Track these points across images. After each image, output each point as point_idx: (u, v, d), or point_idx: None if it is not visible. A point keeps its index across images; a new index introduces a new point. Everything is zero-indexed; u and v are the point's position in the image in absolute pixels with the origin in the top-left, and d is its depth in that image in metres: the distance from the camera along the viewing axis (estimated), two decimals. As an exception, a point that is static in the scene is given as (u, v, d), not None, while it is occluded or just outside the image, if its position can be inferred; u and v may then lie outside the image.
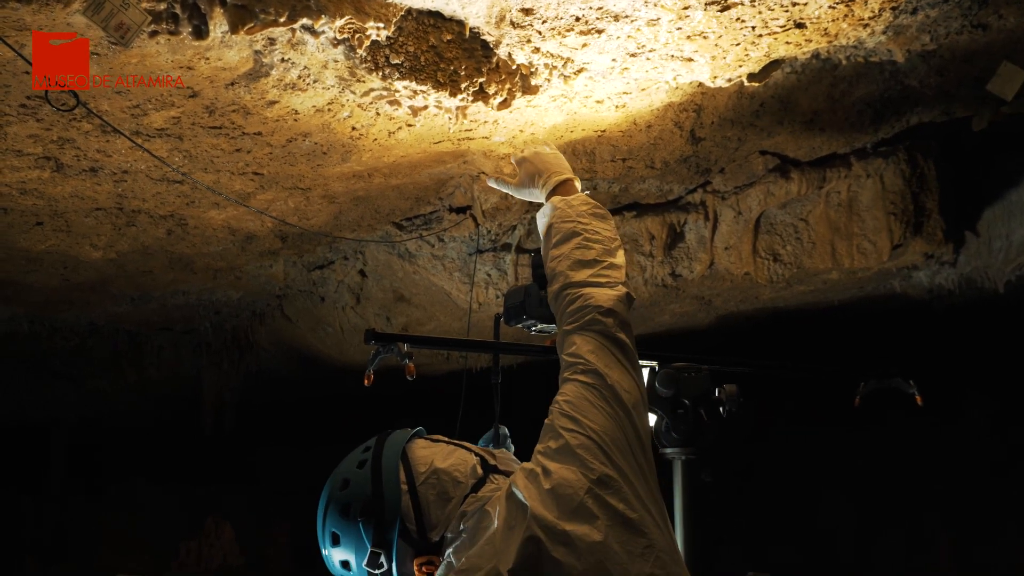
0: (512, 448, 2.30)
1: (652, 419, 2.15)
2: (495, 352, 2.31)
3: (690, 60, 2.91)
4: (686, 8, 2.57)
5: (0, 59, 2.56)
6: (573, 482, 1.41)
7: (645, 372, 2.13)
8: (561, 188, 1.94)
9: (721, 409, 2.16)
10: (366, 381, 1.94)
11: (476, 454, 1.65)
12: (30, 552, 9.64)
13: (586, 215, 1.79)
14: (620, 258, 1.80)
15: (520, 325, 2.18)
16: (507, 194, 4.34)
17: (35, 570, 9.54)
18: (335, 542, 1.58)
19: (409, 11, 2.61)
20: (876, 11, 2.75)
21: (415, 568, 1.54)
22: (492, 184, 2.19)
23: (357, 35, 2.55)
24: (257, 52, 2.67)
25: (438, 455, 1.62)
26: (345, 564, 1.57)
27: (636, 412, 1.55)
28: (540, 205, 1.99)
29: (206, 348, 7.12)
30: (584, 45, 2.76)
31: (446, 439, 1.72)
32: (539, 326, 2.16)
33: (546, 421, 1.56)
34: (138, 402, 8.40)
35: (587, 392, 1.53)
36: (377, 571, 1.55)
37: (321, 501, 1.65)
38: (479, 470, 1.60)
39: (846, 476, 7.74)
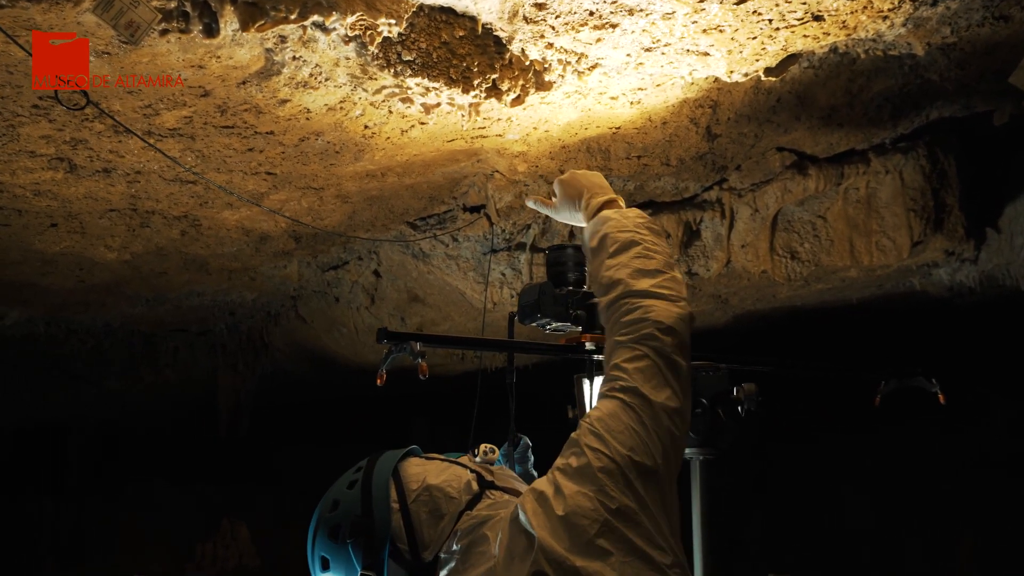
0: (532, 458, 2.26)
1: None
2: (509, 351, 2.27)
3: (706, 54, 2.87)
4: (702, 1, 2.53)
5: (12, 59, 2.55)
6: (589, 511, 1.31)
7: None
8: (605, 207, 1.81)
9: (740, 409, 2.11)
10: (379, 381, 1.90)
11: (472, 470, 1.60)
12: (48, 552, 9.70)
13: (643, 227, 1.65)
14: (680, 275, 1.65)
15: (535, 324, 2.14)
16: (520, 192, 4.32)
17: (53, 570, 9.59)
18: (324, 567, 1.52)
19: (421, 7, 2.59)
20: (896, 3, 2.70)
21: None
22: (531, 205, 2.10)
23: (368, 32, 2.52)
24: (268, 50, 2.65)
25: (431, 472, 1.56)
26: None
27: (675, 444, 1.42)
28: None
29: (221, 349, 7.13)
30: (598, 40, 2.73)
31: (442, 456, 1.67)
32: (554, 324, 2.12)
33: (572, 435, 1.45)
34: (154, 403, 8.43)
35: (623, 412, 1.40)
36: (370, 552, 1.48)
37: (311, 525, 1.59)
38: (474, 486, 1.53)
39: (866, 477, 7.66)
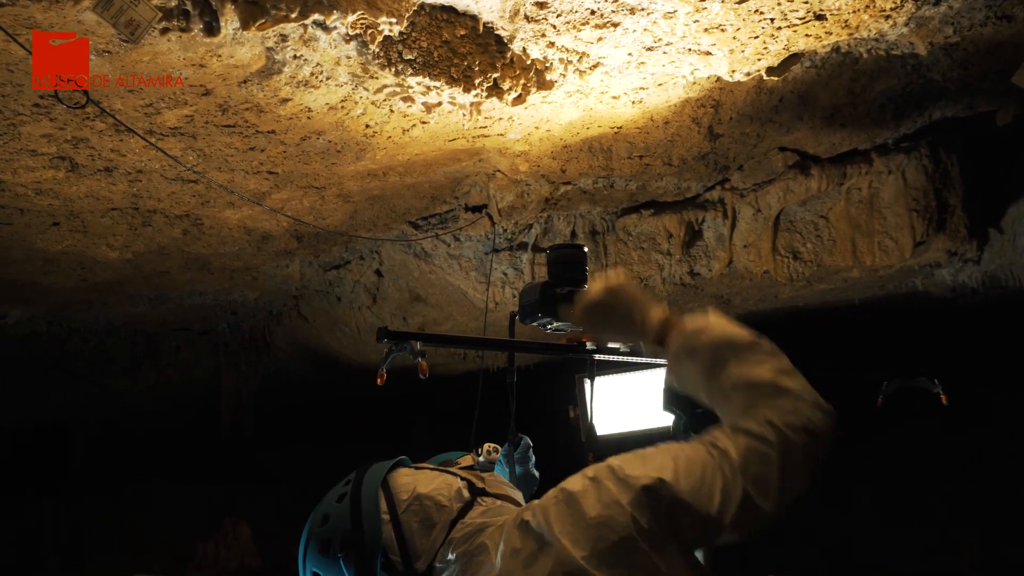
0: (533, 458, 2.25)
1: (671, 419, 2.11)
2: (510, 351, 2.27)
3: (708, 54, 2.86)
4: (703, 0, 2.53)
5: (12, 58, 2.55)
6: (618, 524, 1.25)
7: (663, 370, 2.09)
8: (674, 318, 1.64)
9: (742, 409, 2.10)
10: (379, 380, 1.90)
11: (462, 478, 1.57)
12: (49, 552, 9.70)
13: (749, 331, 1.50)
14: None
15: (536, 323, 2.14)
16: (522, 192, 4.32)
17: (54, 569, 9.59)
18: None
19: (422, 6, 2.58)
20: (898, 2, 2.69)
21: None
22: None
23: (369, 31, 2.52)
24: (269, 49, 2.65)
25: (421, 481, 1.54)
26: None
27: (738, 525, 1.28)
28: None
29: (223, 349, 7.12)
30: (600, 39, 2.72)
31: (431, 466, 1.65)
32: (555, 324, 2.12)
33: (641, 450, 1.38)
34: (156, 403, 8.42)
35: (707, 459, 1.30)
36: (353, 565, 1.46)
37: (301, 541, 1.58)
38: (465, 493, 1.51)
39: (868, 477, 7.65)
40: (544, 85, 2.94)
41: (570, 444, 2.20)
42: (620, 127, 3.60)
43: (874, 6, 2.68)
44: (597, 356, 2.07)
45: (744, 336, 1.46)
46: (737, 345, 1.45)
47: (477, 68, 2.75)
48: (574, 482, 1.36)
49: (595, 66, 2.91)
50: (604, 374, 2.21)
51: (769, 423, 1.30)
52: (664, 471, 1.30)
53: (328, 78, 2.84)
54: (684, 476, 1.29)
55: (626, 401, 2.26)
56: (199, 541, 9.43)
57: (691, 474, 1.29)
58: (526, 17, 2.59)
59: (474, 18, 2.65)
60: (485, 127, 3.37)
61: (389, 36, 2.59)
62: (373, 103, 3.05)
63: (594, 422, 2.07)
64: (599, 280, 1.68)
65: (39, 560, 9.65)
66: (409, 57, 2.68)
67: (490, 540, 1.39)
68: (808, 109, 3.69)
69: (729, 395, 1.39)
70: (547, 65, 2.87)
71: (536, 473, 2.12)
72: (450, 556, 1.42)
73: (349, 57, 2.70)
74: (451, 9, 2.62)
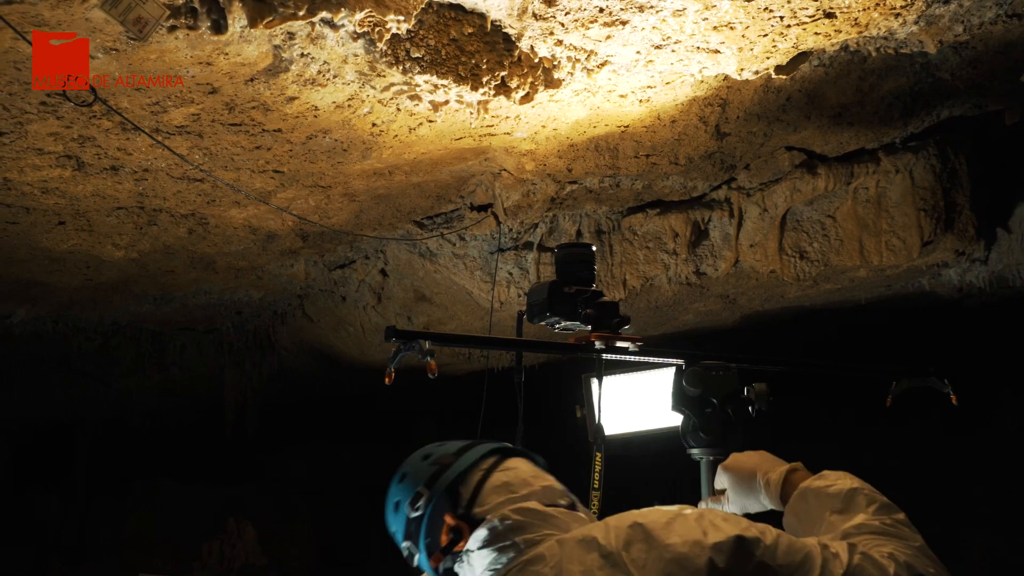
0: None
1: (679, 419, 2.09)
2: (518, 350, 2.26)
3: (716, 52, 2.85)
4: (712, -2, 2.52)
5: (20, 55, 2.54)
6: (695, 567, 1.21)
7: (672, 370, 2.08)
8: (792, 477, 1.65)
9: (750, 408, 2.09)
10: (387, 379, 1.89)
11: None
12: (55, 550, 9.72)
13: (867, 485, 1.53)
14: None
15: (544, 323, 2.13)
16: (528, 191, 4.31)
17: (59, 568, 9.60)
18: (401, 479, 1.54)
19: (430, 4, 2.57)
20: (908, 0, 2.68)
21: (445, 525, 1.46)
22: (705, 505, 1.95)
23: (377, 28, 2.51)
24: (276, 47, 2.64)
25: (531, 470, 1.52)
26: (396, 505, 1.53)
27: None
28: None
29: (228, 348, 7.12)
30: (608, 37, 2.71)
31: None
32: (563, 323, 2.11)
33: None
34: (161, 402, 8.43)
35: (812, 553, 1.27)
36: (414, 513, 1.47)
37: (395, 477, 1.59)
38: (563, 499, 1.46)
39: (875, 477, 7.62)
40: (552, 83, 2.93)
41: (578, 444, 2.19)
42: (627, 126, 3.59)
43: (884, 4, 2.66)
44: (605, 356, 2.07)
45: (861, 492, 1.49)
46: (855, 502, 1.48)
47: (485, 66, 2.74)
48: (654, 512, 1.33)
49: (603, 64, 2.90)
50: (612, 374, 2.20)
51: (891, 556, 1.32)
52: (766, 535, 1.27)
53: (335, 76, 2.83)
54: (784, 550, 1.26)
55: (634, 401, 2.25)
56: (204, 540, 9.43)
57: (792, 552, 1.26)
58: (534, 15, 2.58)
59: (482, 16, 2.64)
60: (492, 126, 3.36)
61: (397, 34, 2.59)
62: (380, 101, 3.04)
63: (602, 422, 2.06)
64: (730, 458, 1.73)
65: (44, 558, 9.66)
66: (416, 55, 2.67)
67: (548, 552, 1.33)
68: (816, 108, 3.67)
69: (851, 535, 1.40)
70: (555, 63, 2.86)
71: None
72: (497, 525, 1.38)
73: (356, 55, 2.69)
74: (459, 7, 2.61)
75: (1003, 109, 3.86)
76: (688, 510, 1.33)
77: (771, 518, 1.43)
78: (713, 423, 2.07)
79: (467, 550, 1.41)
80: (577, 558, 1.28)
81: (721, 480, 1.74)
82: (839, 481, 1.51)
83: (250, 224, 4.48)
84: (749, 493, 1.68)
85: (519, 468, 1.48)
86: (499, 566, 1.35)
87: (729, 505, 1.72)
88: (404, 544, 1.50)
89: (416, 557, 1.49)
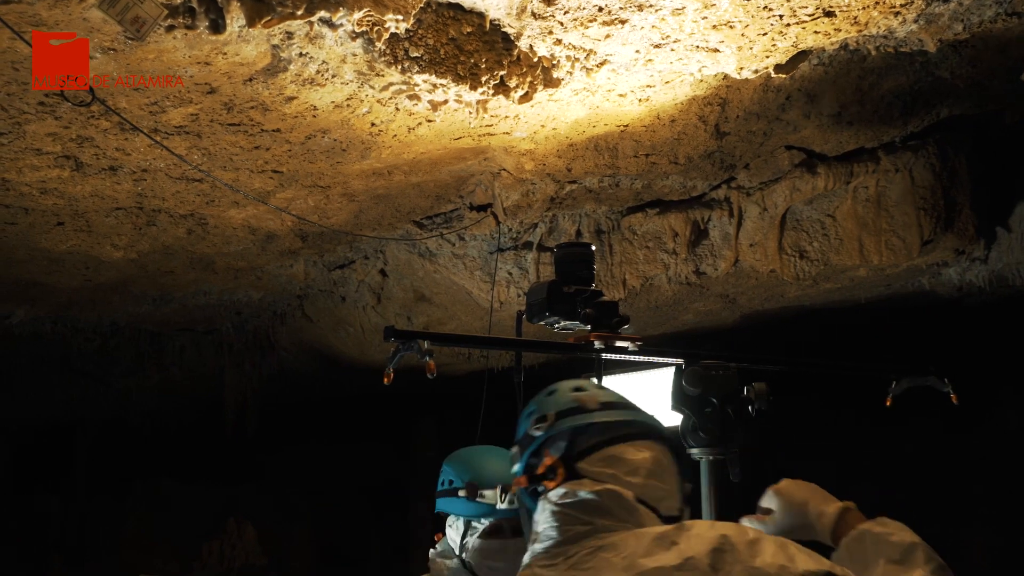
0: None
1: (679, 419, 2.09)
2: (517, 349, 2.26)
3: (716, 51, 2.85)
4: (712, -3, 2.51)
5: (17, 56, 2.54)
6: None
7: (671, 370, 2.08)
8: (848, 516, 1.65)
9: (750, 408, 2.08)
10: (386, 379, 1.89)
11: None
12: (55, 550, 9.71)
13: (925, 543, 1.54)
14: None
15: (543, 322, 2.13)
16: (527, 191, 4.30)
17: (60, 568, 9.60)
18: (549, 394, 1.53)
19: (429, 3, 2.57)
20: (908, -1, 2.68)
21: (548, 460, 1.43)
22: (748, 522, 1.96)
23: (376, 28, 2.51)
24: (275, 47, 2.64)
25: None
26: (530, 414, 1.52)
27: None
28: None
29: (228, 348, 7.12)
30: (607, 36, 2.71)
31: None
32: (562, 323, 2.11)
33: None
34: (161, 402, 8.43)
35: None
36: (534, 430, 1.46)
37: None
38: (666, 506, 1.41)
39: (877, 476, 7.62)
40: (551, 83, 2.92)
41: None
42: (626, 125, 3.58)
43: (884, 3, 2.66)
44: (604, 355, 2.06)
45: (921, 547, 1.50)
46: (915, 556, 1.48)
47: (483, 66, 2.74)
48: (732, 527, 1.31)
49: (602, 64, 2.89)
50: (611, 373, 2.20)
51: None
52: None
53: (334, 76, 2.83)
54: None
55: (634, 401, 2.25)
56: (204, 540, 9.43)
57: None
58: (533, 14, 2.57)
59: (481, 15, 2.63)
60: (491, 125, 3.36)
61: (395, 33, 2.58)
62: (379, 101, 3.04)
63: (602, 422, 2.06)
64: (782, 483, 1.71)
65: (44, 559, 9.66)
66: (415, 55, 2.67)
67: (623, 542, 1.31)
68: (815, 107, 3.67)
69: None
70: (554, 63, 2.86)
71: None
72: (579, 497, 1.35)
73: (355, 55, 2.69)
74: (458, 6, 2.61)
75: (1003, 108, 3.85)
76: (760, 533, 1.31)
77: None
78: (713, 423, 2.07)
79: (548, 496, 1.39)
80: (653, 556, 1.26)
81: (771, 501, 1.72)
82: (900, 532, 1.52)
83: (249, 224, 4.48)
84: (799, 521, 1.67)
85: (647, 455, 1.42)
86: (564, 535, 1.34)
87: (773, 527, 1.69)
88: (514, 449, 1.50)
89: (515, 466, 1.49)
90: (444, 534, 2.31)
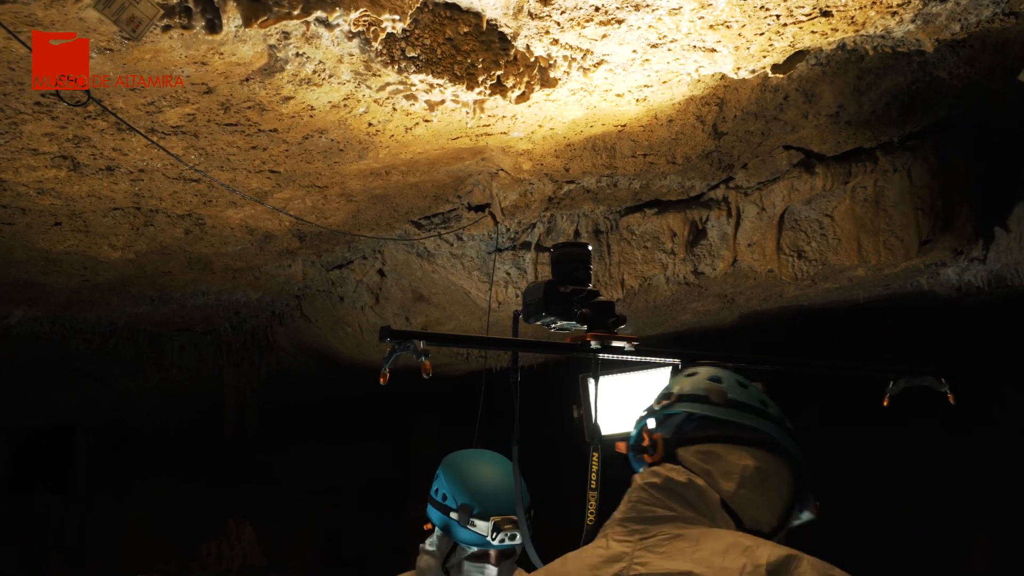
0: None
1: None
2: (514, 350, 2.25)
3: (713, 51, 2.85)
4: (708, -3, 2.51)
5: (13, 56, 2.54)
6: None
7: (668, 370, 2.07)
8: None
9: (747, 408, 2.08)
10: (382, 380, 1.88)
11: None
12: (55, 550, 9.71)
13: None
14: None
15: (540, 322, 2.12)
16: (525, 191, 4.30)
17: (59, 568, 9.60)
18: (689, 375, 1.56)
19: (425, 3, 2.57)
20: (905, -2, 2.67)
21: (650, 436, 1.45)
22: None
23: (372, 28, 2.50)
24: (271, 46, 2.64)
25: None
26: (666, 387, 1.56)
27: None
28: None
29: (226, 349, 7.12)
30: (604, 36, 2.71)
31: None
32: (559, 323, 2.10)
33: None
34: (160, 403, 8.43)
35: None
36: (657, 403, 1.49)
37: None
38: (754, 519, 1.38)
39: (876, 477, 7.62)
40: (548, 83, 2.92)
41: (574, 444, 2.18)
42: (624, 125, 3.58)
43: (881, 2, 2.66)
44: (601, 355, 2.06)
45: None
46: None
47: (480, 66, 2.73)
48: (806, 557, 1.28)
49: (599, 63, 2.89)
50: (608, 373, 2.19)
51: None
52: None
53: (331, 76, 2.82)
54: None
55: (630, 401, 2.24)
56: (203, 541, 9.43)
57: None
58: (530, 14, 2.57)
59: (477, 15, 2.63)
60: (488, 125, 3.35)
61: (392, 33, 2.58)
62: (376, 101, 3.03)
63: (598, 422, 2.05)
64: None
65: (44, 559, 9.66)
66: (412, 55, 2.66)
67: (700, 535, 1.30)
68: (813, 107, 3.67)
69: None
70: (551, 63, 2.85)
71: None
72: (676, 483, 1.35)
73: (352, 55, 2.69)
74: (454, 6, 2.61)
75: (1001, 108, 3.85)
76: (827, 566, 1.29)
77: None
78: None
79: (643, 470, 1.41)
80: (727, 555, 1.25)
81: None
82: None
83: (247, 224, 4.47)
84: None
85: (750, 464, 1.39)
86: (643, 514, 1.35)
87: None
88: (644, 411, 1.51)
89: (639, 422, 1.50)
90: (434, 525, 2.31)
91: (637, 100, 3.28)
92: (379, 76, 2.82)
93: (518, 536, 2.17)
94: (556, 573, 1.40)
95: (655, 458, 1.41)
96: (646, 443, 1.43)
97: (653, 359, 2.12)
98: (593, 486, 1.97)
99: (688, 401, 1.45)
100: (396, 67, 2.70)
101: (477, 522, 2.16)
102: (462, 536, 2.18)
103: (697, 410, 1.44)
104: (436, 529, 2.27)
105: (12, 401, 7.93)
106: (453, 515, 2.19)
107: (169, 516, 9.83)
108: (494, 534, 2.15)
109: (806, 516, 1.44)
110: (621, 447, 1.48)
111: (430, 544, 2.29)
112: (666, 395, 1.49)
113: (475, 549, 2.20)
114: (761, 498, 1.38)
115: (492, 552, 2.22)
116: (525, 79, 2.83)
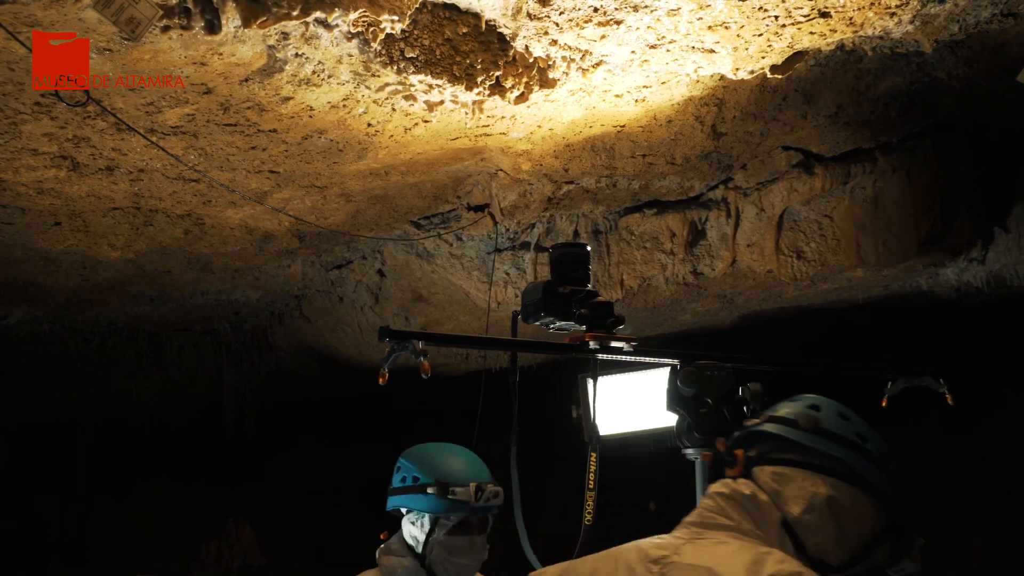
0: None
1: (674, 419, 2.09)
2: (512, 350, 2.26)
3: (711, 51, 2.85)
4: (707, -3, 2.51)
5: (13, 56, 2.54)
6: None
7: (667, 370, 2.07)
8: None
9: (745, 409, 2.08)
10: (381, 380, 1.89)
11: None
12: (54, 550, 9.71)
13: None
14: None
15: (539, 323, 2.13)
16: (524, 191, 4.30)
17: (59, 568, 9.60)
18: (802, 401, 1.55)
19: (424, 3, 2.57)
20: (903, -1, 2.68)
21: (733, 449, 1.48)
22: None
23: (371, 28, 2.51)
24: (271, 47, 2.64)
25: None
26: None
27: None
28: None
29: (226, 349, 7.12)
30: (603, 37, 2.71)
31: None
32: (558, 323, 2.11)
33: None
34: (160, 402, 8.43)
35: None
36: (749, 422, 1.51)
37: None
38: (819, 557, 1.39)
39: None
40: (547, 83, 2.92)
41: (573, 444, 2.18)
42: (623, 126, 3.58)
43: (879, 3, 2.66)
44: (600, 356, 2.06)
45: None
46: None
47: (479, 66, 2.74)
48: None
49: (598, 64, 2.89)
50: (607, 374, 2.20)
51: None
52: None
53: (330, 76, 2.82)
54: None
55: (629, 401, 2.25)
56: (202, 541, 9.43)
57: None
58: (528, 15, 2.57)
59: (476, 16, 2.63)
60: (487, 126, 3.36)
61: (391, 34, 2.58)
62: (375, 101, 3.04)
63: (597, 422, 2.05)
64: None
65: (44, 559, 9.66)
66: (411, 55, 2.67)
67: (732, 540, 1.35)
68: (812, 107, 3.67)
69: None
70: (550, 63, 2.86)
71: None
72: (742, 494, 1.39)
73: (351, 55, 2.69)
74: (453, 7, 2.61)
75: (1000, 108, 3.85)
76: None
77: None
78: (708, 423, 2.07)
79: (720, 480, 1.44)
80: (749, 564, 1.27)
81: None
82: None
83: (246, 224, 4.47)
84: None
85: (823, 493, 1.38)
86: (705, 520, 1.38)
87: None
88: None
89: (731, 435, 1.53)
90: (389, 532, 2.33)
91: (636, 101, 3.28)
92: (378, 77, 2.82)
93: (500, 495, 2.23)
94: (613, 554, 1.43)
95: (734, 472, 1.44)
96: (728, 455, 1.46)
97: (652, 360, 2.12)
98: (591, 486, 1.98)
99: (777, 423, 1.47)
100: (395, 68, 2.70)
101: (457, 489, 2.20)
102: (444, 507, 2.21)
103: (782, 432, 1.45)
104: (405, 527, 2.29)
105: (12, 401, 7.93)
106: (430, 490, 2.21)
107: (169, 516, 9.82)
108: (477, 494, 2.18)
109: (906, 567, 1.43)
110: (706, 456, 1.55)
111: (395, 544, 2.30)
112: (760, 412, 1.52)
113: (458, 518, 2.22)
114: (829, 529, 1.36)
115: (474, 521, 2.24)
116: (524, 80, 2.83)
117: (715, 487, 1.43)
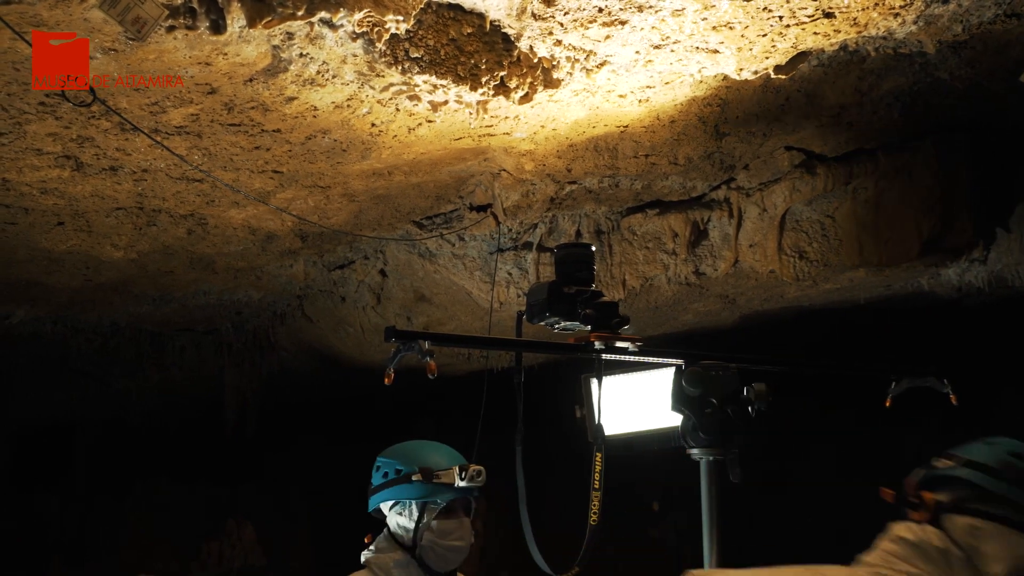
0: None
1: (679, 419, 2.09)
2: (517, 350, 2.26)
3: (715, 52, 2.85)
4: (712, -2, 2.52)
5: (18, 56, 2.54)
6: None
7: (671, 370, 2.08)
8: None
9: (750, 409, 2.09)
10: (387, 380, 1.89)
11: None
12: (54, 550, 9.71)
13: None
14: None
15: (543, 323, 2.13)
16: (527, 191, 4.31)
17: (59, 568, 9.60)
18: (985, 442, 1.54)
19: (429, 4, 2.57)
20: (908, 0, 2.68)
21: (919, 493, 1.46)
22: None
23: (376, 29, 2.51)
24: (275, 47, 2.64)
25: None
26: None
27: None
28: None
29: (227, 349, 7.12)
30: (607, 37, 2.71)
31: None
32: (562, 323, 2.11)
33: None
34: (161, 402, 8.43)
35: None
36: (942, 462, 1.48)
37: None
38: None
39: (876, 477, 7.61)
40: (551, 84, 2.93)
41: (574, 444, 2.19)
42: (626, 126, 3.59)
43: (883, 4, 2.66)
44: (604, 356, 2.07)
45: None
46: None
47: (484, 66, 2.74)
48: None
49: (602, 64, 2.90)
50: (611, 374, 2.20)
51: None
52: None
53: (334, 76, 2.83)
54: None
55: (634, 401, 2.25)
56: (203, 540, 9.42)
57: None
58: (533, 15, 2.58)
59: (481, 16, 2.64)
60: (491, 126, 3.36)
61: (396, 34, 2.59)
62: (379, 102, 3.04)
63: (601, 422, 2.06)
64: None
65: (44, 559, 9.65)
66: (415, 55, 2.67)
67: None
68: (815, 108, 3.67)
69: None
70: (554, 63, 2.86)
71: None
72: (931, 544, 1.36)
73: (355, 55, 2.69)
74: (458, 7, 2.61)
75: (1002, 109, 3.85)
76: None
77: None
78: (713, 423, 2.07)
79: (905, 524, 1.39)
80: None
81: None
82: None
83: (249, 224, 4.48)
84: None
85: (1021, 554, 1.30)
86: (886, 562, 1.35)
87: None
88: (918, 470, 1.49)
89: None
90: (373, 535, 2.37)
91: (639, 101, 3.28)
92: (383, 77, 2.83)
93: (483, 474, 2.30)
94: (782, 572, 1.42)
95: (920, 517, 1.34)
96: (914, 498, 1.37)
97: (657, 360, 2.13)
98: (596, 486, 1.98)
99: (974, 469, 1.36)
100: (400, 68, 2.70)
101: (441, 473, 2.27)
102: (431, 492, 2.26)
103: (980, 482, 1.34)
104: (392, 520, 2.32)
105: (13, 401, 7.93)
106: (415, 478, 2.26)
107: (169, 516, 9.82)
108: (461, 474, 2.25)
109: None
110: (888, 494, 1.41)
111: (382, 541, 2.34)
112: (948, 456, 1.40)
113: (445, 501, 2.25)
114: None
115: (460, 503, 2.30)
116: (528, 80, 2.83)
117: (899, 530, 1.33)
